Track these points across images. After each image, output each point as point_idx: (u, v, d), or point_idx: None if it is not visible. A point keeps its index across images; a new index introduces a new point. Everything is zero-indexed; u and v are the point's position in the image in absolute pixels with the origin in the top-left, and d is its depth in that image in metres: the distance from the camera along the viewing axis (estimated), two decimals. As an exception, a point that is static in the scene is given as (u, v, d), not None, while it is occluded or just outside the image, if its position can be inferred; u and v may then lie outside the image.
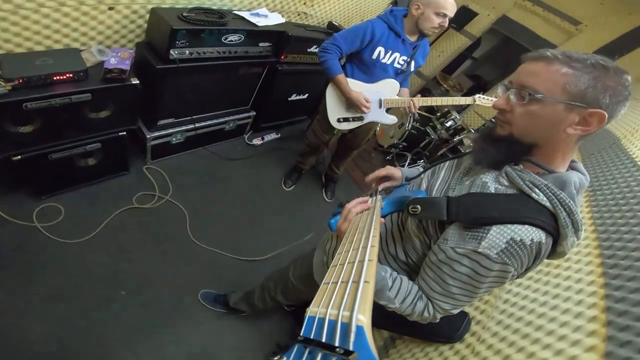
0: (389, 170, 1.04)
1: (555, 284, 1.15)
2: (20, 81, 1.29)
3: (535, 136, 0.68)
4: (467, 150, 0.93)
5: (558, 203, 0.64)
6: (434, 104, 1.92)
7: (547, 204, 0.64)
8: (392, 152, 3.42)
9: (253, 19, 1.98)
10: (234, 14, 1.98)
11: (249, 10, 2.14)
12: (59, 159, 1.62)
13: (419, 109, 1.88)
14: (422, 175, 0.97)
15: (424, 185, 0.92)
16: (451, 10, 1.64)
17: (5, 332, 1.35)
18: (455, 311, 0.77)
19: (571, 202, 0.63)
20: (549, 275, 1.22)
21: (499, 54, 3.83)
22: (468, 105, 2.56)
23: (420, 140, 3.26)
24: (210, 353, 1.59)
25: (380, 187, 1.02)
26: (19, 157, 1.48)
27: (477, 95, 1.88)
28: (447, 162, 0.93)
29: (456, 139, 3.08)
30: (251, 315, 1.72)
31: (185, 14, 1.67)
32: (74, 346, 1.40)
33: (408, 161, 3.33)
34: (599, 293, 0.96)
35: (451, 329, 1.26)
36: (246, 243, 2.08)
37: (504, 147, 0.71)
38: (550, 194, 0.64)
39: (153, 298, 1.65)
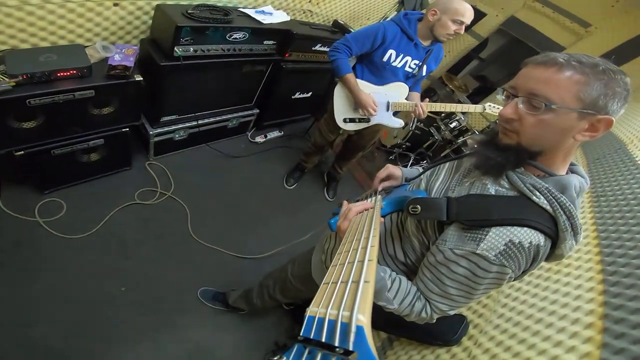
0: (388, 169, 1.04)
1: (555, 290, 1.14)
2: (24, 77, 1.30)
3: (544, 144, 0.67)
4: (468, 152, 0.92)
5: (558, 206, 0.63)
6: (442, 109, 1.90)
7: (548, 207, 0.64)
8: (395, 152, 3.41)
9: (258, 17, 1.97)
10: (239, 11, 1.98)
11: (254, 7, 2.13)
12: (61, 154, 1.64)
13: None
14: (422, 176, 0.97)
15: (422, 186, 0.92)
16: (469, 17, 1.61)
17: (6, 327, 1.37)
18: (452, 312, 0.78)
19: (571, 205, 0.63)
20: (548, 281, 1.21)
21: (506, 55, 3.78)
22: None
23: (424, 141, 3.25)
24: (209, 350, 1.60)
25: (380, 187, 1.02)
26: (22, 152, 1.50)
27: (488, 104, 1.85)
28: (448, 163, 0.93)
29: (460, 140, 3.05)
30: (250, 314, 1.73)
31: (190, 11, 1.66)
32: (74, 341, 1.42)
33: (411, 161, 3.31)
34: (597, 300, 0.96)
35: (449, 332, 1.26)
36: (247, 241, 2.08)
37: (512, 156, 0.69)
38: (550, 197, 0.64)
39: (153, 295, 1.66)
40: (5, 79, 1.26)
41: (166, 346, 1.54)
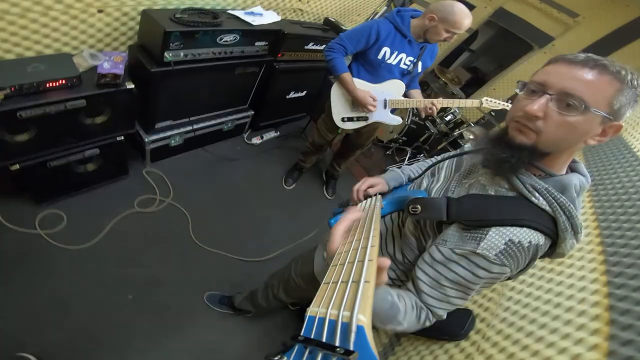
0: (367, 182, 1.04)
1: (559, 282, 1.15)
2: (13, 89, 1.26)
3: (559, 146, 0.65)
4: (467, 150, 0.91)
5: (558, 207, 0.64)
6: (443, 105, 1.89)
7: (547, 208, 0.64)
8: (392, 147, 3.42)
9: (248, 18, 1.94)
10: (228, 13, 1.94)
11: (243, 9, 2.10)
12: (57, 166, 1.61)
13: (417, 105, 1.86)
14: (423, 175, 0.97)
15: (424, 185, 0.92)
16: (464, 29, 1.61)
17: (13, 337, 1.36)
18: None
19: (571, 206, 0.64)
20: (552, 273, 1.22)
21: (496, 46, 3.79)
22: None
23: (420, 135, 3.26)
24: (217, 354, 1.61)
25: (372, 192, 1.03)
26: (17, 166, 1.47)
27: (485, 98, 1.85)
28: (447, 161, 0.93)
29: (456, 132, 3.07)
30: (257, 316, 1.74)
31: (177, 15, 1.63)
32: (82, 350, 1.42)
33: (408, 155, 3.32)
34: (602, 291, 0.97)
35: (456, 326, 1.26)
36: (249, 243, 2.08)
37: (526, 156, 0.66)
38: (550, 198, 0.64)
39: (159, 301, 1.66)
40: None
41: (175, 352, 1.54)
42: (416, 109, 1.87)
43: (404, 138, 3.30)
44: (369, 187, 1.03)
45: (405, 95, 1.92)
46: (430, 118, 3.23)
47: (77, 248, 1.68)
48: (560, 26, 2.92)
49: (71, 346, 1.41)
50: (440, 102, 1.78)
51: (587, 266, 1.12)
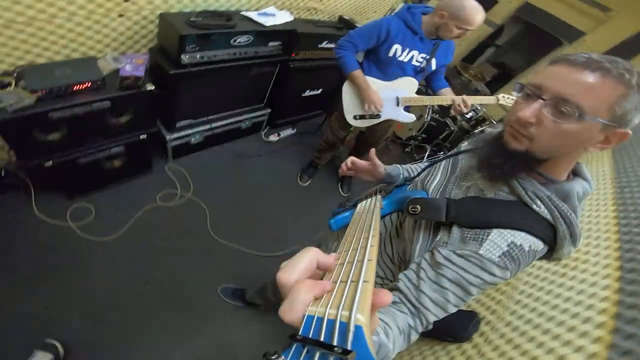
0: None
1: (569, 287, 1.11)
2: (44, 92, 1.38)
3: (555, 153, 0.62)
4: (463, 149, 0.89)
5: (559, 215, 0.61)
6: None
7: (548, 217, 0.62)
8: (411, 144, 3.35)
9: (261, 19, 1.98)
10: (242, 15, 1.99)
11: (257, 9, 2.14)
12: (86, 163, 1.74)
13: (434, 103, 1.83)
14: (417, 178, 0.96)
15: (419, 186, 0.91)
16: (476, 25, 1.56)
17: (41, 324, 1.48)
18: (432, 323, 0.69)
19: (572, 214, 0.61)
20: (564, 277, 1.17)
21: (524, 41, 3.59)
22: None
23: (440, 132, 3.16)
24: (228, 346, 1.67)
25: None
26: (50, 163, 1.60)
27: (501, 95, 1.78)
28: (443, 162, 0.90)
29: (477, 130, 2.96)
30: (268, 309, 1.77)
31: (192, 19, 1.69)
32: (104, 338, 1.52)
33: (428, 153, 3.24)
34: (612, 298, 0.92)
35: (457, 328, 1.24)
36: (264, 239, 2.13)
37: (520, 164, 0.64)
38: (552, 206, 0.62)
39: (176, 292, 1.75)
40: (27, 94, 1.35)
41: (186, 342, 1.62)
42: (439, 106, 1.84)
43: (423, 135, 3.22)
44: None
45: (436, 94, 1.89)
46: (450, 115, 3.13)
47: (104, 240, 1.81)
48: (591, 21, 2.72)
49: (93, 333, 1.52)
50: (461, 99, 1.73)
51: (601, 272, 1.06)
